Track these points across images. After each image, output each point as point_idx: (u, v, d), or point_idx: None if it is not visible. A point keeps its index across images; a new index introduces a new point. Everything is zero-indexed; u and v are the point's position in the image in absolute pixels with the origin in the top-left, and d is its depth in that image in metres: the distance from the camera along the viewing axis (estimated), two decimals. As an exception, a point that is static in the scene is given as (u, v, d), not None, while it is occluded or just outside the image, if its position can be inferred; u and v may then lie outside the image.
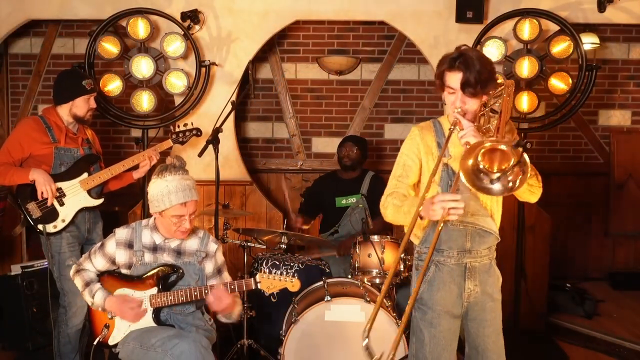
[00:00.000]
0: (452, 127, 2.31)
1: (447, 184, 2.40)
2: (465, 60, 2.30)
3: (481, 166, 2.08)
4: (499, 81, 2.40)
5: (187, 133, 3.95)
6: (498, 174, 2.08)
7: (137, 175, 3.83)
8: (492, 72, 2.35)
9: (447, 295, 2.46)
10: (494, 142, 2.11)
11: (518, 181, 2.07)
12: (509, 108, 2.38)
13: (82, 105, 3.56)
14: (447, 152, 2.38)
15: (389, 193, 2.45)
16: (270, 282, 2.81)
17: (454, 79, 2.33)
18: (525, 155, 2.07)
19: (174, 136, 3.94)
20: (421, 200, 2.22)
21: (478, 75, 2.28)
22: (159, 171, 2.77)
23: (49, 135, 3.52)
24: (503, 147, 2.08)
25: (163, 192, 2.71)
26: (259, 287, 2.80)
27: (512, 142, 2.09)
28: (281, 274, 2.83)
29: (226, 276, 2.97)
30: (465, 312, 2.50)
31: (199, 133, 3.99)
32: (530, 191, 2.36)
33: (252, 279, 2.82)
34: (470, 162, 2.09)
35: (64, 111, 3.57)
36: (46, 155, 3.50)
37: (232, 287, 2.79)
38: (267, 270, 3.78)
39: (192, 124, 4.01)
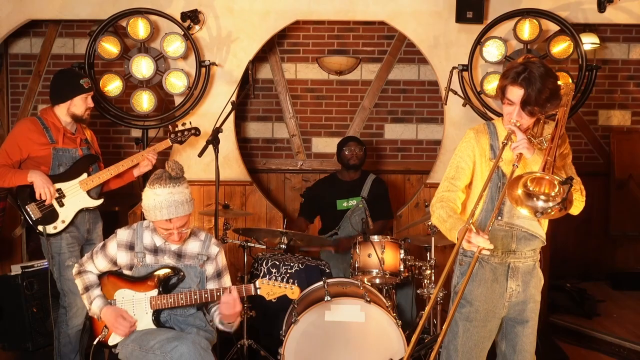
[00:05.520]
0: (506, 141, 2.36)
1: (497, 185, 2.45)
2: (529, 76, 2.32)
3: (530, 189, 2.20)
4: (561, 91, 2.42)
5: (186, 132, 3.95)
6: (543, 198, 2.20)
7: (137, 172, 3.84)
8: (553, 91, 2.36)
9: (489, 293, 2.48)
10: (542, 174, 2.20)
11: (555, 212, 2.19)
12: (566, 118, 2.41)
13: (80, 104, 3.56)
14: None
15: (440, 197, 2.50)
16: (270, 288, 2.81)
17: (515, 93, 2.36)
18: (572, 193, 2.19)
19: (172, 136, 3.93)
20: (468, 218, 2.29)
21: (539, 94, 2.31)
22: (152, 181, 2.72)
23: (46, 136, 3.51)
24: (548, 177, 2.18)
25: (150, 205, 2.70)
26: (259, 292, 2.81)
27: (560, 178, 2.17)
28: (282, 279, 2.84)
29: (225, 281, 2.96)
30: (507, 312, 2.52)
31: (197, 132, 4.00)
32: (575, 205, 2.38)
33: (252, 284, 2.81)
34: (520, 191, 2.21)
35: (62, 111, 3.56)
36: (44, 156, 3.50)
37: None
38: (266, 271, 3.80)
39: (190, 123, 4.01)
